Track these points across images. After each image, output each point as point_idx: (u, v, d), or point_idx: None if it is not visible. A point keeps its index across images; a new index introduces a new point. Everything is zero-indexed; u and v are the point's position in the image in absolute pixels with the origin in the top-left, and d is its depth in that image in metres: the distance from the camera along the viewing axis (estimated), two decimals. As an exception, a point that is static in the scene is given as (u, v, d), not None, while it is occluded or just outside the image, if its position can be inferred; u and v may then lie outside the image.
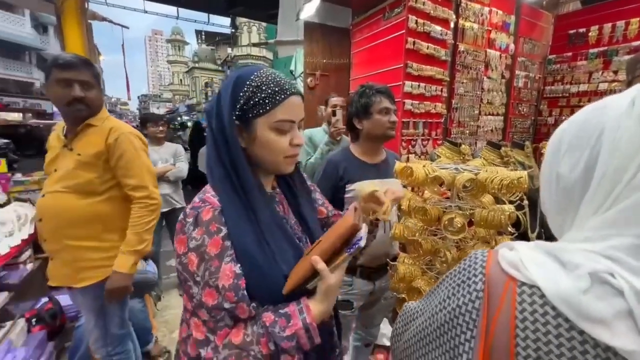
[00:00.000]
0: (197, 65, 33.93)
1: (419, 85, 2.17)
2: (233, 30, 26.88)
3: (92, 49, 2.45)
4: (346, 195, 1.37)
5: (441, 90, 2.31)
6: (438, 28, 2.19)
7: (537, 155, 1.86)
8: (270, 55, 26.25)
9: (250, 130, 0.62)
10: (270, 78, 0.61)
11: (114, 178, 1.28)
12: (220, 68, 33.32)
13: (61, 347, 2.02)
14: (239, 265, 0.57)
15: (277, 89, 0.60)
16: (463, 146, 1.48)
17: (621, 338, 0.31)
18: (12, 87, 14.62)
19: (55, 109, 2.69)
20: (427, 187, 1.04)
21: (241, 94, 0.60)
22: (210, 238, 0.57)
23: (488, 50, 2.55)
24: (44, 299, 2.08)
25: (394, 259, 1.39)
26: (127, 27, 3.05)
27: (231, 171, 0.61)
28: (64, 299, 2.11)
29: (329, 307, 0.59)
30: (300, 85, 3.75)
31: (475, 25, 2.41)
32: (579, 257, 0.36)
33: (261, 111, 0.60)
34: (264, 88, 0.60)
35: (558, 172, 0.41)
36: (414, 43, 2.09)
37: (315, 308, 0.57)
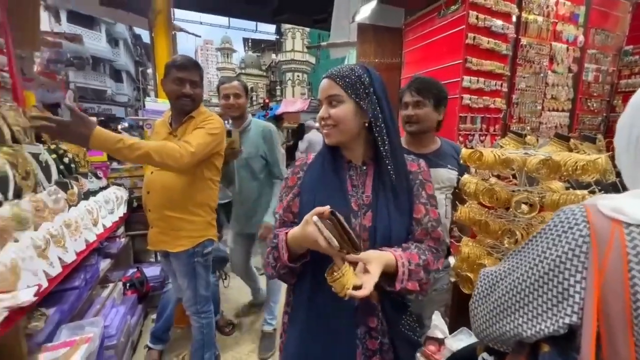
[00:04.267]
0: (243, 71, 35.78)
1: (477, 80, 2.16)
2: (278, 37, 28.02)
3: (175, 54, 2.81)
4: None
5: (501, 85, 2.27)
6: (499, 22, 2.17)
7: (611, 151, 1.77)
8: (312, 60, 26.91)
9: None
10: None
11: (203, 161, 1.49)
12: (264, 73, 34.82)
13: (146, 311, 2.35)
14: (291, 197, 0.84)
15: None
16: (529, 137, 1.47)
17: None
18: (89, 94, 16.72)
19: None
20: (496, 170, 1.09)
21: None
22: (292, 175, 0.87)
23: (553, 43, 2.45)
24: (133, 269, 2.43)
25: (447, 249, 1.42)
26: (199, 36, 3.47)
27: None
28: (149, 271, 2.45)
29: (297, 235, 0.73)
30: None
31: (540, 18, 2.33)
32: None
33: None
34: None
35: (638, 134, 0.46)
36: (474, 38, 2.10)
37: (292, 230, 0.76)
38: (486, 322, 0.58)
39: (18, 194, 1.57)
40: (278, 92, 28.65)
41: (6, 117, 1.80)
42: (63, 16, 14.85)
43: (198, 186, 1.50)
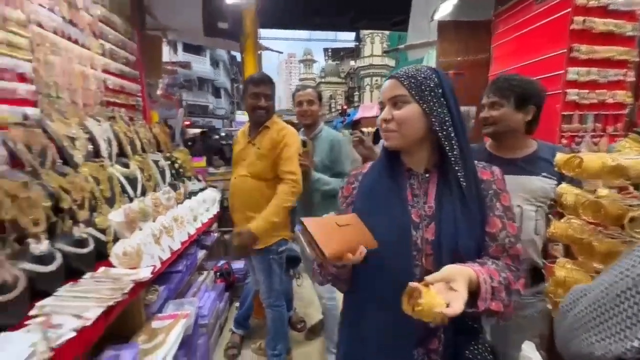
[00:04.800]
0: (323, 80, 37.25)
1: (588, 71, 1.80)
2: (357, 44, 28.37)
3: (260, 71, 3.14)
4: None
5: (625, 74, 1.84)
6: (621, -2, 1.77)
7: None
8: (392, 63, 26.32)
9: None
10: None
11: (277, 167, 1.64)
12: (343, 81, 35.60)
13: (231, 299, 2.66)
14: (344, 207, 0.85)
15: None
16: (663, 138, 1.16)
17: None
18: (196, 109, 19.84)
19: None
20: (603, 180, 0.90)
21: None
22: (347, 185, 0.87)
23: None
24: (222, 261, 2.79)
25: (536, 271, 1.22)
26: (281, 52, 3.83)
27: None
28: (234, 263, 2.77)
29: None
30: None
31: (688, -16, 1.81)
32: None
33: None
34: None
35: None
36: (583, 21, 1.76)
37: None
38: (565, 337, 0.55)
39: (143, 193, 1.99)
40: (356, 98, 28.88)
41: (139, 132, 2.31)
42: (179, 46, 18.14)
43: (273, 189, 1.65)
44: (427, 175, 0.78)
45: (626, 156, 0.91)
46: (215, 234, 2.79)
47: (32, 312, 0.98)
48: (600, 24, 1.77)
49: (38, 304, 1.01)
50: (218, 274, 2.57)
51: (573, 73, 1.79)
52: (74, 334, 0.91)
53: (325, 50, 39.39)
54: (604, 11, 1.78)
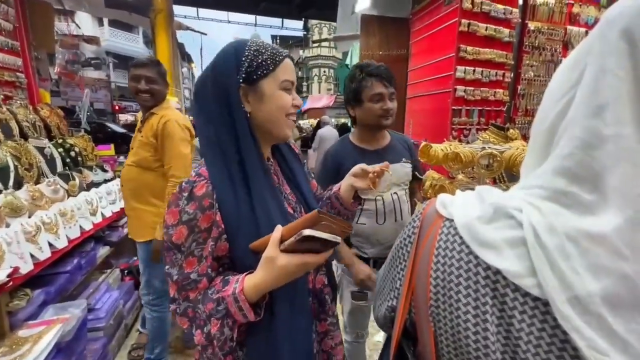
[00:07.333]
0: (271, 68, 36.07)
1: (474, 71, 2.01)
2: (305, 33, 28.06)
3: (176, 52, 2.91)
4: None
5: (503, 75, 2.10)
6: (500, 7, 2.00)
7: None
8: (339, 55, 26.66)
9: (257, 91, 0.64)
10: (265, 44, 0.66)
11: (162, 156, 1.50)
12: (292, 70, 35.09)
13: (144, 297, 2.48)
14: (212, 245, 0.59)
15: (274, 51, 0.65)
16: (511, 130, 1.35)
17: (507, 261, 0.33)
18: (128, 93, 17.85)
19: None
20: (445, 166, 1.01)
21: (243, 58, 0.63)
22: (202, 213, 0.58)
23: (569, 27, 2.21)
24: (135, 257, 2.57)
25: None
26: (205, 34, 3.59)
27: (229, 140, 0.62)
28: (148, 259, 2.58)
29: (267, 281, 0.55)
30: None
31: (552, 0, 2.11)
32: (495, 196, 0.37)
33: (265, 71, 0.63)
34: (262, 51, 0.64)
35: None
36: (468, 25, 1.95)
37: (249, 280, 0.56)
38: (375, 304, 0.60)
39: (19, 184, 1.72)
40: (304, 89, 28.77)
41: (16, 114, 1.98)
42: (105, 21, 16.00)
43: (159, 179, 1.51)
44: (270, 162, 0.74)
45: (470, 146, 1.03)
46: (125, 229, 2.55)
47: None
48: (482, 28, 1.98)
49: None
50: (126, 271, 2.37)
51: (460, 71, 1.98)
52: None
53: (274, 37, 38.21)
54: (486, 17, 2.00)
